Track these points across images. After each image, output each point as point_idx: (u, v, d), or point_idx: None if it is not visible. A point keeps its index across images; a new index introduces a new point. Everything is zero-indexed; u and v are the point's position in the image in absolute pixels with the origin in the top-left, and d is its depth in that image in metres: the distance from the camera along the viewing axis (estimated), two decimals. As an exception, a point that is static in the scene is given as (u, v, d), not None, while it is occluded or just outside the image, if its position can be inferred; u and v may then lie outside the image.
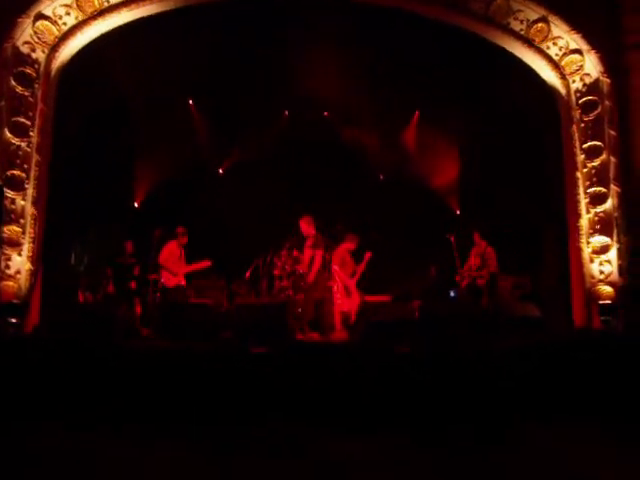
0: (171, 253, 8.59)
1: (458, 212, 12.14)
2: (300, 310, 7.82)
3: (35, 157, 7.25)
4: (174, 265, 8.57)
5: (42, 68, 7.43)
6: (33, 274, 7.05)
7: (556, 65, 8.51)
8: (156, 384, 5.43)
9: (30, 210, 7.16)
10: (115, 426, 4.96)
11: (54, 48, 7.51)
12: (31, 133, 7.26)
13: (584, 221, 8.15)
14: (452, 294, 9.32)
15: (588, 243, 8.08)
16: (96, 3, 7.62)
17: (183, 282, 8.71)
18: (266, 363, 5.68)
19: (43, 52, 7.46)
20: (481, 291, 9.11)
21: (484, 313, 6.91)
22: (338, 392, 5.35)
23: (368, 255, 8.80)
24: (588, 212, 8.15)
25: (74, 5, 7.52)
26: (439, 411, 5.09)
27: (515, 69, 8.90)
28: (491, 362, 5.57)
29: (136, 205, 11.15)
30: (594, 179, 8.16)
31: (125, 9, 7.79)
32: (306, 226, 8.62)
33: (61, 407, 5.34)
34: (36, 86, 7.37)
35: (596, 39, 8.18)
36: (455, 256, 9.07)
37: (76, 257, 10.72)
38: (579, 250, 8.13)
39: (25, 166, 7.16)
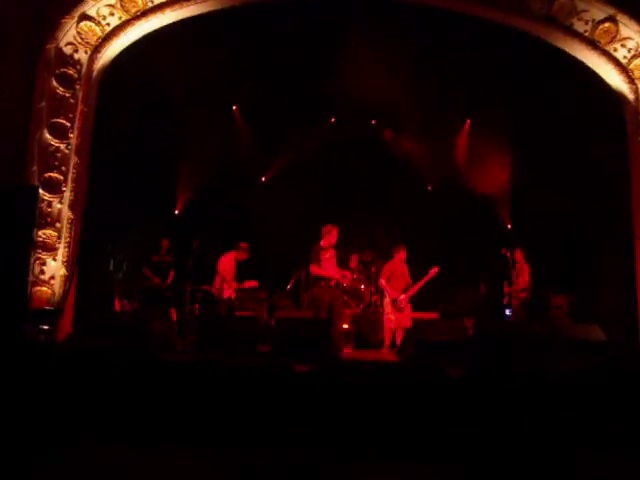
0: (230, 264, 8.45)
1: (509, 226, 11.53)
2: (346, 326, 7.34)
3: (74, 159, 7.05)
4: (230, 277, 8.42)
5: (84, 69, 7.26)
6: (68, 280, 6.81)
7: (624, 68, 7.91)
8: (191, 400, 5.05)
9: (67, 214, 6.94)
10: (146, 441, 4.59)
11: (97, 49, 7.33)
12: (70, 135, 7.07)
13: (654, 235, 7.50)
14: (508, 313, 8.74)
15: (656, 258, 7.43)
16: (140, 3, 7.40)
17: (234, 295, 8.49)
18: (308, 382, 5.23)
19: (85, 53, 7.29)
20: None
21: (542, 335, 6.31)
22: (384, 417, 4.86)
23: (434, 271, 8.27)
24: (656, 225, 7.50)
25: (118, 5, 7.32)
26: (496, 442, 4.54)
27: (578, 73, 8.33)
28: (552, 388, 4.99)
29: (177, 212, 10.92)
30: (662, 189, 7.51)
31: (169, 9, 7.56)
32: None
33: (91, 420, 5.00)
34: (77, 87, 7.19)
35: (670, 40, 7.57)
36: (511, 273, 8.46)
37: (115, 264, 10.55)
38: (648, 268, 7.47)
39: (63, 168, 6.97)
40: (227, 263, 8.30)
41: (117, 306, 9.37)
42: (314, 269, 7.65)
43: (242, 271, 8.64)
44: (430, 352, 5.92)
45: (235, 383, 4.97)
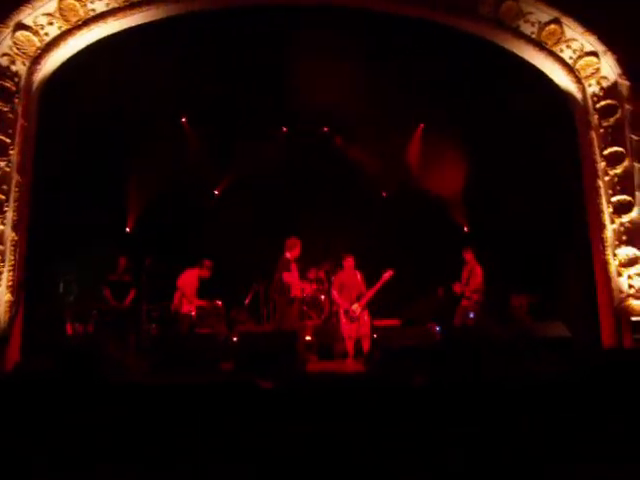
0: (190, 281, 8.26)
1: (466, 229, 11.59)
2: (309, 338, 7.16)
3: (15, 177, 6.66)
4: (190, 293, 8.22)
5: (23, 81, 6.89)
6: (14, 305, 6.40)
7: (570, 69, 8.05)
8: (149, 424, 4.77)
9: (10, 235, 6.54)
10: (103, 469, 4.29)
11: (36, 60, 6.97)
12: (11, 152, 6.68)
13: (609, 232, 7.60)
14: (471, 315, 8.69)
15: (615, 255, 7.53)
16: (81, 12, 7.10)
17: (194, 312, 8.28)
18: (275, 399, 5.02)
19: (24, 64, 6.92)
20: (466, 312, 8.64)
21: (511, 336, 6.27)
22: (355, 431, 4.69)
23: (387, 274, 8.08)
24: (613, 222, 7.60)
25: (57, 14, 7.00)
26: (470, 455, 4.42)
27: (526, 74, 8.43)
28: (525, 393, 4.93)
29: (128, 230, 10.52)
30: (617, 187, 7.63)
31: (112, 18, 7.28)
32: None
33: (41, 451, 4.66)
34: (16, 101, 6.82)
35: (613, 40, 7.71)
36: (462, 274, 8.45)
37: (65, 286, 10.08)
38: (605, 263, 7.56)
39: (4, 187, 6.57)
40: (188, 279, 8.11)
41: (69, 330, 8.94)
42: (287, 277, 7.62)
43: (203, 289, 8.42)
44: (396, 359, 5.79)
45: (192, 403, 4.72)
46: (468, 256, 9.03)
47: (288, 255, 7.82)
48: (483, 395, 4.91)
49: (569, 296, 8.74)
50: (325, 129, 11.31)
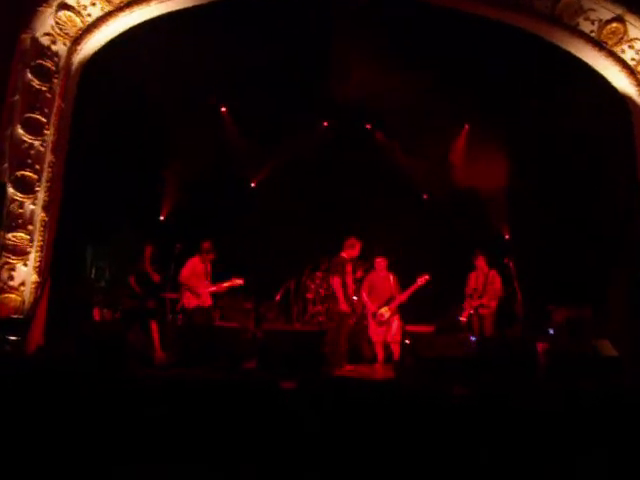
0: (194, 270, 7.62)
1: (507, 236, 11.13)
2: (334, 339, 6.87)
3: (49, 157, 6.56)
4: (197, 284, 7.60)
5: (62, 62, 6.80)
6: (39, 287, 6.30)
7: (632, 71, 7.58)
8: (166, 420, 4.56)
9: (40, 215, 6.45)
10: (118, 460, 4.09)
11: (76, 41, 6.88)
12: (46, 131, 6.59)
13: (665, 245, 7.11)
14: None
15: (669, 273, 7.03)
16: (124, -7, 6.97)
17: (209, 302, 7.69)
18: (297, 400, 4.75)
19: (64, 45, 6.83)
20: (483, 322, 8.09)
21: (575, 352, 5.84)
22: (382, 442, 4.38)
23: (422, 279, 7.71)
24: (666, 238, 7.11)
25: (100, -5, 6.88)
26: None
27: (582, 76, 7.98)
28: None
29: (162, 218, 10.43)
30: (675, 199, 7.14)
31: (155, 1, 7.13)
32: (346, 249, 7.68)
33: (56, 443, 4.50)
34: (55, 81, 6.73)
35: (680, 42, 7.23)
36: (514, 284, 7.89)
37: (96, 271, 10.05)
38: (658, 279, 7.07)
39: (37, 167, 6.48)
40: (189, 270, 7.55)
41: (97, 316, 8.85)
42: (337, 283, 7.35)
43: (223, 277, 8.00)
44: (429, 368, 5.47)
45: (213, 401, 4.49)
46: (480, 262, 8.46)
47: (344, 255, 7.55)
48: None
49: (616, 312, 8.23)
50: (368, 126, 10.98)
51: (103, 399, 4.67)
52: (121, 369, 5.22)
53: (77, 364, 5.03)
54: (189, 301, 7.47)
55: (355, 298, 9.28)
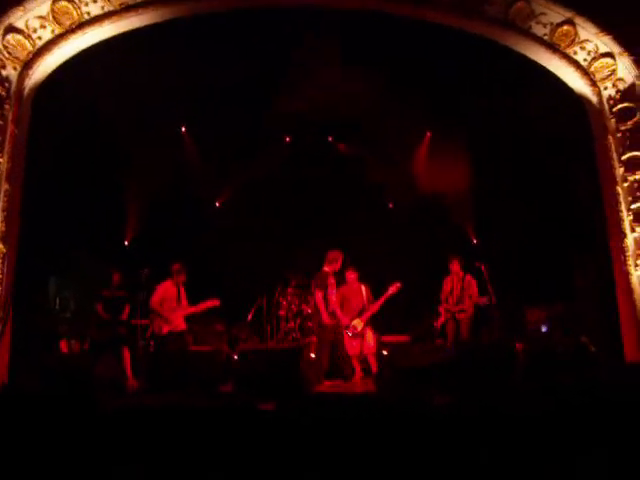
0: (165, 295, 7.39)
1: (475, 241, 11.22)
2: (313, 356, 6.75)
3: (4, 186, 6.30)
4: (170, 308, 7.35)
5: (14, 87, 6.56)
6: (1, 322, 6.01)
7: (585, 71, 7.69)
8: (141, 450, 4.36)
9: (-2, 247, 6.18)
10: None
11: (27, 64, 6.65)
12: (0, 159, 6.34)
13: (629, 241, 7.20)
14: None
15: (636, 265, 7.12)
16: (75, 15, 6.78)
17: (182, 327, 7.43)
18: (277, 422, 4.61)
19: (15, 69, 6.60)
20: (459, 326, 8.01)
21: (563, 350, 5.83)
22: (367, 457, 4.26)
23: (394, 287, 7.65)
24: (633, 231, 7.19)
25: (50, 17, 6.68)
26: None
27: (538, 78, 8.10)
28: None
29: (126, 243, 10.19)
30: (637, 194, 7.24)
31: (107, 22, 6.97)
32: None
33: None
34: (6, 107, 6.47)
35: (629, 40, 7.38)
36: (488, 287, 7.86)
37: (61, 302, 9.74)
38: (626, 274, 7.15)
39: (-8, 197, 6.23)
40: (160, 295, 7.32)
41: (64, 348, 8.56)
42: (319, 297, 7.34)
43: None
44: (409, 379, 5.39)
45: (186, 428, 4.32)
46: (454, 266, 8.40)
47: (327, 269, 7.51)
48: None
49: (584, 309, 8.34)
50: (329, 138, 10.97)
51: (71, 434, 4.46)
52: (89, 402, 5.01)
53: (43, 400, 4.81)
54: (160, 328, 7.23)
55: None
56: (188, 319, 7.70)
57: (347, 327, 7.60)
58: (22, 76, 6.64)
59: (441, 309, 8.18)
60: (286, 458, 4.30)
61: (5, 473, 4.28)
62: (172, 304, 7.40)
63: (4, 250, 6.25)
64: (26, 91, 6.72)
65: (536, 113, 8.48)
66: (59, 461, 4.35)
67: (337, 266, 7.60)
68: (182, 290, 7.58)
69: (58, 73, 7.03)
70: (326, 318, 7.14)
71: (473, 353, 5.48)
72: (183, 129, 10.24)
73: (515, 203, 9.54)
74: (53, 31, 6.77)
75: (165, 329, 7.22)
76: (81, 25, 6.87)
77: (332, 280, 7.46)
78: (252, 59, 8.73)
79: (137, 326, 7.92)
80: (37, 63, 6.75)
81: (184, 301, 7.58)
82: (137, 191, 9.78)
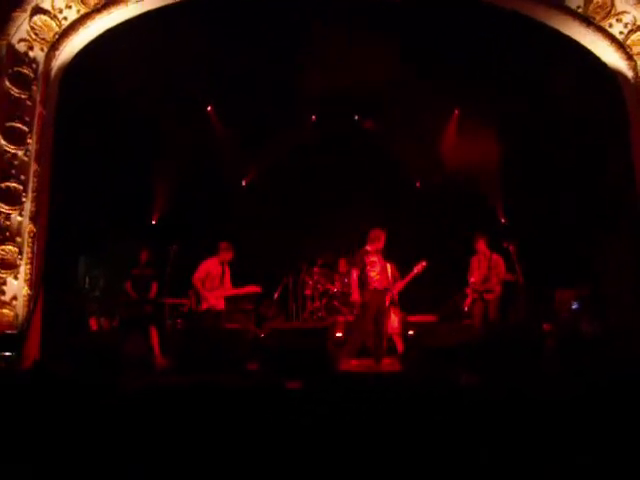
0: (209, 272, 7.36)
1: (503, 220, 11.04)
2: (339, 335, 6.74)
3: (33, 167, 6.38)
4: (211, 287, 7.34)
5: (41, 68, 6.60)
6: (32, 300, 6.13)
7: (620, 45, 7.40)
8: (168, 428, 4.42)
9: (28, 227, 6.27)
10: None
11: (54, 45, 6.67)
12: (29, 140, 6.40)
13: (659, 222, 7.01)
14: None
15: (666, 247, 6.95)
16: (100, -6, 6.78)
17: (221, 306, 7.41)
18: (304, 400, 4.63)
19: (42, 50, 6.63)
20: (487, 307, 7.75)
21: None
22: (393, 436, 4.25)
23: (419, 266, 7.56)
24: (664, 212, 7.01)
25: (76, -3, 6.69)
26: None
27: (571, 53, 7.84)
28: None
29: (153, 222, 10.27)
30: (672, 170, 7.03)
31: (132, 1, 6.94)
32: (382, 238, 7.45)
33: (56, 457, 4.35)
34: (34, 88, 6.53)
35: (669, 12, 7.10)
36: (516, 268, 7.71)
37: (91, 280, 9.91)
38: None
39: (22, 177, 6.30)
40: (204, 271, 7.32)
41: (94, 325, 8.71)
42: (354, 274, 7.23)
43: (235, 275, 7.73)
44: (435, 359, 5.35)
45: (218, 407, 4.36)
46: (480, 245, 8.11)
47: (369, 248, 7.33)
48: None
49: (616, 291, 8.16)
50: (356, 117, 10.84)
51: (102, 411, 4.54)
52: (118, 379, 5.09)
53: (74, 377, 4.90)
54: (198, 304, 7.33)
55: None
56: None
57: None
58: (49, 57, 6.67)
59: (468, 290, 8.00)
60: (312, 436, 4.33)
61: (35, 446, 4.38)
62: (215, 283, 7.39)
63: (34, 230, 6.34)
64: (53, 72, 6.76)
65: (568, 89, 8.25)
66: (78, 439, 4.45)
67: (380, 245, 7.31)
68: (227, 270, 7.55)
69: (86, 53, 7.03)
70: (356, 295, 7.06)
71: (500, 334, 5.42)
72: (209, 108, 10.20)
73: (544, 182, 9.34)
74: (79, 11, 6.77)
75: (204, 306, 7.27)
76: (106, 4, 6.85)
77: (372, 258, 7.29)
78: (277, 38, 8.65)
79: (165, 304, 7.99)
80: (63, 44, 6.77)
81: (227, 281, 7.55)
82: (165, 169, 9.81)
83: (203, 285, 7.28)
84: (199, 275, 7.30)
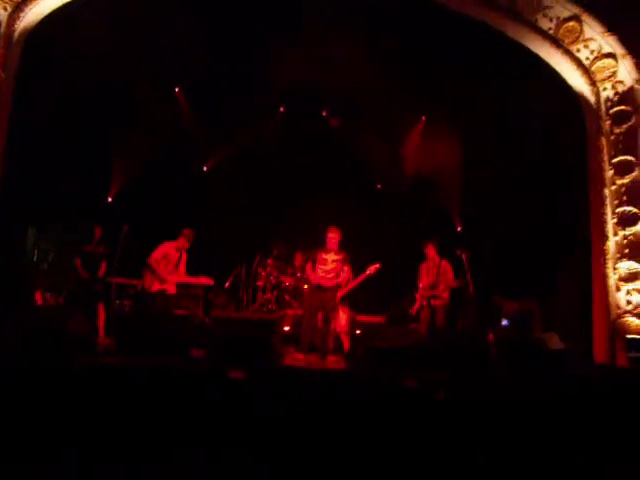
0: (166, 255, 7.28)
1: (459, 228, 11.23)
2: (287, 328, 6.74)
3: (-13, 135, 6.17)
4: (165, 270, 7.25)
5: (2, 28, 6.39)
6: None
7: (586, 70, 7.69)
8: (107, 411, 4.35)
9: (-23, 198, 6.07)
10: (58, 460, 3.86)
11: (19, 6, 6.46)
12: (-17, 106, 6.19)
13: (611, 244, 7.28)
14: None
15: (615, 269, 7.20)
16: (73, -42, 6.59)
17: (172, 290, 7.36)
18: (245, 390, 4.63)
19: (5, 10, 6.42)
20: (435, 313, 7.75)
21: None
22: (331, 436, 4.29)
23: (373, 268, 7.62)
24: (616, 234, 7.27)
25: (46, -42, 6.48)
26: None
27: (538, 72, 8.06)
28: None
29: (109, 199, 10.05)
30: (624, 198, 7.30)
31: (105, -32, 6.77)
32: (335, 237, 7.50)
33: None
34: (-6, 49, 6.31)
35: (633, 44, 7.35)
36: (467, 276, 7.81)
37: (39, 253, 9.63)
38: (604, 276, 7.24)
39: (-26, 144, 6.08)
40: (160, 254, 7.24)
41: (39, 300, 8.46)
42: (309, 268, 7.44)
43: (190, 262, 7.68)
44: (380, 359, 5.41)
45: (155, 392, 4.31)
46: (430, 251, 8.07)
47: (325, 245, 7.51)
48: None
49: (564, 307, 8.40)
50: (323, 113, 10.84)
51: (47, 388, 4.43)
52: (59, 357, 4.97)
53: (14, 353, 4.76)
54: (150, 284, 7.20)
55: (305, 287, 9.21)
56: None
57: None
58: (12, 18, 6.47)
59: (417, 295, 8.06)
60: (253, 425, 4.33)
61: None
62: (170, 267, 7.31)
63: (-18, 195, 6.13)
64: (16, 34, 6.55)
65: (533, 107, 8.41)
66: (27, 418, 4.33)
67: (333, 243, 7.45)
68: (184, 256, 7.48)
69: (52, 19, 6.81)
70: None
71: (445, 339, 5.52)
72: (177, 89, 10.02)
73: (504, 195, 9.53)
74: (49, -26, 6.57)
75: (155, 287, 7.18)
76: (78, -31, 6.67)
77: (324, 255, 7.34)
78: (251, 27, 8.57)
79: (112, 284, 7.82)
80: (29, 6, 6.56)
81: (182, 268, 7.48)
82: (125, 146, 9.59)
83: (158, 266, 7.18)
84: (156, 256, 7.21)
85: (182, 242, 7.38)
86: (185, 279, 7.52)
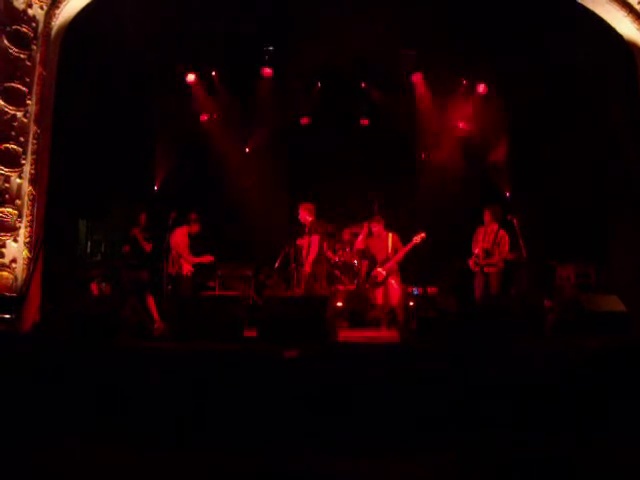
0: (183, 239, 7.71)
1: (508, 194, 10.92)
2: (340, 304, 6.72)
3: (33, 128, 6.29)
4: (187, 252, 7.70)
5: (41, 27, 6.46)
6: (31, 263, 6.11)
7: (638, 16, 7.21)
8: (163, 394, 4.44)
9: (27, 189, 6.21)
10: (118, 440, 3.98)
11: (54, 3, 6.51)
12: (28, 101, 6.30)
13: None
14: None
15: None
16: (104, -50, 6.60)
17: (191, 272, 7.78)
18: (301, 369, 4.64)
19: (42, 9, 6.48)
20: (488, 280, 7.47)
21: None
22: (391, 410, 4.26)
23: (418, 237, 7.47)
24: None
25: (77, -47, 6.51)
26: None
27: (583, 22, 7.62)
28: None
29: (155, 188, 10.20)
30: (682, 151, 6.90)
31: (136, -40, 6.77)
32: (305, 213, 7.55)
33: (56, 418, 4.38)
34: (34, 47, 6.41)
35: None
36: (519, 242, 7.54)
37: (92, 245, 9.87)
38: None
39: (21, 139, 6.21)
40: (179, 238, 7.61)
41: (95, 291, 8.69)
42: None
43: (198, 245, 7.99)
44: (434, 330, 5.32)
45: (212, 374, 4.36)
46: (486, 217, 7.75)
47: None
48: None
49: (618, 271, 8.08)
50: (363, 85, 10.63)
51: (98, 374, 4.55)
52: (115, 344, 5.09)
53: (71, 341, 4.90)
54: (181, 267, 7.57)
55: (355, 262, 9.15)
56: (218, 264, 8.15)
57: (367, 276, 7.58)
58: (49, 16, 6.52)
59: (470, 261, 7.85)
60: (308, 404, 4.34)
61: (33, 406, 4.41)
62: (186, 252, 7.74)
63: (34, 192, 6.29)
64: (54, 31, 6.61)
65: (580, 62, 8.05)
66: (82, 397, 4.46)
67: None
68: (189, 240, 7.84)
69: (88, 13, 6.85)
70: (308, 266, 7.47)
71: (500, 306, 5.39)
72: (213, 73, 10.01)
73: (555, 155, 9.18)
74: (81, -32, 6.60)
75: (185, 268, 7.61)
76: (110, -39, 6.68)
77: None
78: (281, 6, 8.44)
79: (162, 269, 7.95)
80: (64, 2, 6.60)
81: (187, 250, 7.84)
82: (166, 136, 9.70)
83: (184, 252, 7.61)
84: (175, 241, 7.61)
85: (195, 227, 7.77)
86: (194, 260, 7.82)
